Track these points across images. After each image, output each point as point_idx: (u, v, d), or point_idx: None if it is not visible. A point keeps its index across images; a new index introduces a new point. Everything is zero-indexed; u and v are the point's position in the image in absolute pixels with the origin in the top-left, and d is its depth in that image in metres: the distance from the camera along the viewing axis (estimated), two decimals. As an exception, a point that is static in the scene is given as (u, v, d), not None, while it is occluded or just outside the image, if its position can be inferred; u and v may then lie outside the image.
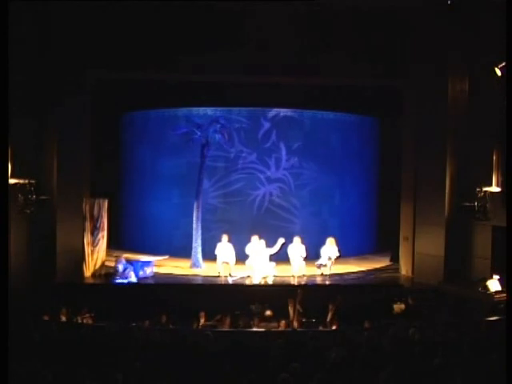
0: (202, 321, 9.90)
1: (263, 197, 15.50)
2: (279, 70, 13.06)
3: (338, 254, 13.21)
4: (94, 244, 13.25)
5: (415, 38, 12.68)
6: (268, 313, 9.72)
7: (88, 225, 13.09)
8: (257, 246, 12.87)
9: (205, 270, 13.64)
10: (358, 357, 6.26)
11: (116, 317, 9.40)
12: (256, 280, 12.39)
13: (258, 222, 14.88)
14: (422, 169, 13.15)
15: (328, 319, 9.89)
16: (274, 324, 9.41)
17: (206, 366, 6.00)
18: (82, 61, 12.40)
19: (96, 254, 13.29)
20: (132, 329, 8.40)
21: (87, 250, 13.03)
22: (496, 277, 11.24)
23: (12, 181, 10.68)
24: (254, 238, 13.04)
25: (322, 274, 13.11)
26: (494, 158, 11.70)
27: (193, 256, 13.81)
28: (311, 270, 13.18)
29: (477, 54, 12.30)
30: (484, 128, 12.34)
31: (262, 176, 15.50)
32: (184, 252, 14.12)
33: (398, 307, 10.85)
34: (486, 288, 11.25)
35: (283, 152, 15.57)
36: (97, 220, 13.36)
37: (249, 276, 12.61)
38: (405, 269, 13.71)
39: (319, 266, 13.17)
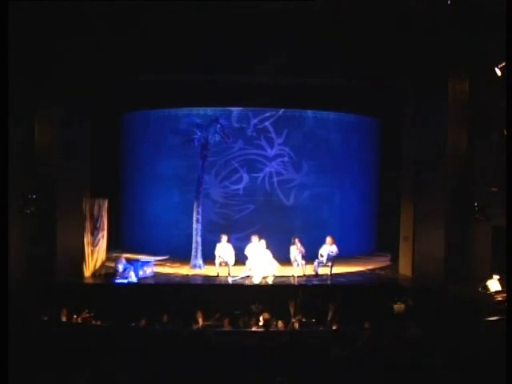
0: (202, 321, 9.89)
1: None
2: (279, 70, 13.06)
3: (338, 252, 13.21)
4: (94, 244, 13.25)
5: (415, 37, 12.66)
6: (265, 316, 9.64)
7: (88, 225, 13.10)
8: (257, 247, 12.90)
9: (205, 270, 13.64)
10: (358, 357, 6.26)
11: (116, 317, 9.40)
12: (256, 280, 12.40)
13: (258, 221, 14.94)
14: (422, 169, 13.15)
15: (328, 319, 9.89)
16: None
17: (206, 366, 6.00)
18: (82, 61, 12.40)
19: (96, 254, 13.30)
20: (132, 329, 8.41)
21: (87, 250, 13.04)
22: (496, 277, 11.23)
23: (12, 181, 10.67)
24: (255, 239, 13.08)
25: (316, 275, 13.06)
26: (494, 157, 11.70)
27: (193, 256, 13.81)
28: (311, 270, 13.17)
29: (477, 54, 12.29)
30: (484, 128, 12.34)
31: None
32: (184, 252, 14.11)
33: (398, 307, 10.84)
34: (486, 288, 11.23)
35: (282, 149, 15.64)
36: (97, 220, 13.36)
37: (249, 276, 12.61)
38: (405, 269, 13.70)
39: (319, 265, 13.17)
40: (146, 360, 6.20)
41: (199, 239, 13.85)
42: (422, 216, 13.10)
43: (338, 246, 13.29)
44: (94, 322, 9.46)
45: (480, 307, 10.04)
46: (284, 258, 13.21)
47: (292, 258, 13.01)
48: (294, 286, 12.21)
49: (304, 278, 12.83)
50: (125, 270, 12.49)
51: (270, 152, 15.59)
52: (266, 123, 15.55)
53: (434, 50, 12.48)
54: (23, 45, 11.50)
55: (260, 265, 12.58)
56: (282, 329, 9.12)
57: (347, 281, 13.07)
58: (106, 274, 13.17)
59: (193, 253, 13.82)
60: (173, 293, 11.67)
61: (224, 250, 13.14)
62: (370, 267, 14.62)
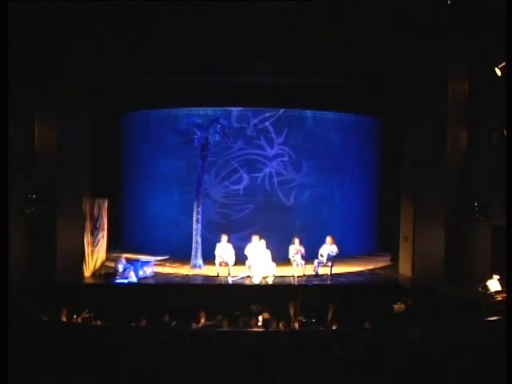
0: (202, 321, 9.90)
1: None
2: (279, 70, 13.06)
3: (338, 252, 13.21)
4: (94, 244, 13.25)
5: (415, 37, 12.67)
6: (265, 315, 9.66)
7: (88, 225, 13.10)
8: (257, 247, 12.91)
9: (205, 270, 13.64)
10: (358, 357, 6.26)
11: (116, 317, 9.40)
12: (256, 280, 12.40)
13: (259, 221, 14.95)
14: (422, 169, 13.15)
15: (328, 319, 9.89)
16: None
17: (206, 366, 6.00)
18: (82, 61, 12.40)
19: (96, 254, 13.29)
20: (131, 329, 8.40)
21: (87, 250, 13.04)
22: (496, 277, 11.24)
23: (12, 181, 10.67)
24: (255, 238, 13.08)
25: (316, 275, 13.05)
26: (494, 157, 11.70)
27: (193, 256, 13.81)
28: (311, 270, 13.17)
29: (477, 54, 12.30)
30: (484, 128, 12.34)
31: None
32: (184, 252, 14.11)
33: (398, 307, 10.84)
34: (486, 288, 11.24)
35: (282, 149, 15.64)
36: (97, 220, 13.36)
37: (249, 276, 12.62)
38: (405, 269, 13.69)
39: (319, 265, 13.16)
40: (146, 360, 6.19)
41: (199, 239, 13.85)
42: (422, 216, 13.09)
43: (338, 246, 13.29)
44: (94, 322, 9.47)
45: (480, 307, 10.04)
46: (283, 258, 13.21)
47: (291, 257, 13.01)
48: (294, 286, 12.20)
49: (304, 278, 12.82)
50: (125, 269, 12.48)
51: (270, 152, 15.59)
52: (266, 123, 15.55)
53: (434, 50, 12.48)
54: (23, 45, 11.49)
55: (260, 265, 12.58)
56: (282, 329, 9.12)
57: (347, 281, 13.06)
58: (106, 274, 13.16)
59: (193, 253, 13.82)
60: (173, 293, 11.67)
61: (224, 249, 13.14)
62: (370, 267, 14.61)
